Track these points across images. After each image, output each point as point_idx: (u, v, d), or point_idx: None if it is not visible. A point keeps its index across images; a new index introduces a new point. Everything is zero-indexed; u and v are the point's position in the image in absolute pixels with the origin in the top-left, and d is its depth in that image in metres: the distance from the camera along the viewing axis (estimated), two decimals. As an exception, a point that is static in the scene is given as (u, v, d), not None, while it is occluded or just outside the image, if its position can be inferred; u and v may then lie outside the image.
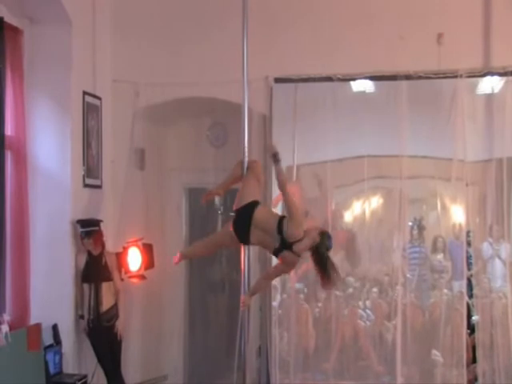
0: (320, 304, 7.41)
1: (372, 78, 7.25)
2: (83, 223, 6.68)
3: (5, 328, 5.62)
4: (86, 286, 6.63)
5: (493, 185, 7.08)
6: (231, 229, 5.40)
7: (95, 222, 6.76)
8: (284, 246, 5.14)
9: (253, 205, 5.28)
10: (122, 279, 6.98)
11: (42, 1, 6.41)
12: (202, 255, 5.97)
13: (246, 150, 5.54)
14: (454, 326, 7.09)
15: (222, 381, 7.91)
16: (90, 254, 6.68)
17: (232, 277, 8.39)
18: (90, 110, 7.09)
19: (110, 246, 7.06)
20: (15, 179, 6.23)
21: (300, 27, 7.29)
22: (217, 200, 8.47)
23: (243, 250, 5.52)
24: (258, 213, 5.27)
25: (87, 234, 6.64)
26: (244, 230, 5.29)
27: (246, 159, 5.53)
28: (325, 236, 5.20)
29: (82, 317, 6.67)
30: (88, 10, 7.11)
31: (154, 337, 8.13)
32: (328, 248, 5.17)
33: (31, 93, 6.51)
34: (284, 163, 7.29)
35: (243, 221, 5.28)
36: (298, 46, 7.26)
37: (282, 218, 5.22)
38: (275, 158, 5.23)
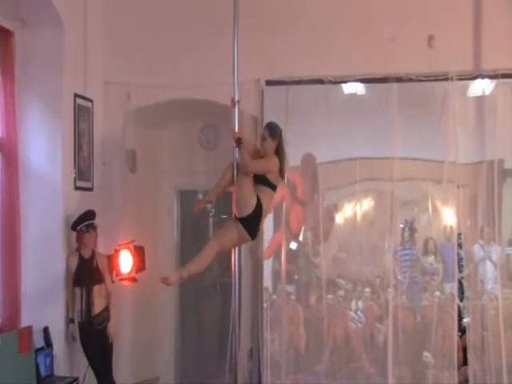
0: (311, 306, 7.41)
1: (363, 80, 7.25)
2: (81, 219, 6.66)
3: (-4, 331, 5.63)
4: (77, 290, 6.62)
5: (484, 187, 7.09)
6: (238, 231, 5.41)
7: (92, 214, 6.75)
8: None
9: (259, 202, 5.36)
10: (113, 281, 6.97)
11: (34, 3, 6.41)
12: (204, 266, 5.78)
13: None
14: (445, 328, 7.10)
15: (213, 382, 7.92)
16: (81, 256, 6.67)
17: (223, 279, 8.39)
18: (82, 112, 7.08)
19: (102, 248, 7.05)
20: (6, 182, 6.23)
21: (291, 30, 7.29)
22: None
23: (233, 252, 5.53)
24: (264, 204, 5.40)
25: (88, 227, 6.64)
26: (257, 226, 5.43)
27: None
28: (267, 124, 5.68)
29: (71, 320, 6.65)
30: (80, 13, 7.11)
31: (146, 339, 8.12)
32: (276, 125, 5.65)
33: (22, 95, 6.52)
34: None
35: (257, 219, 5.39)
36: (290, 48, 7.25)
37: (265, 179, 5.46)
38: (238, 142, 5.39)
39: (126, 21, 7.59)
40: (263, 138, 5.60)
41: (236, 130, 5.49)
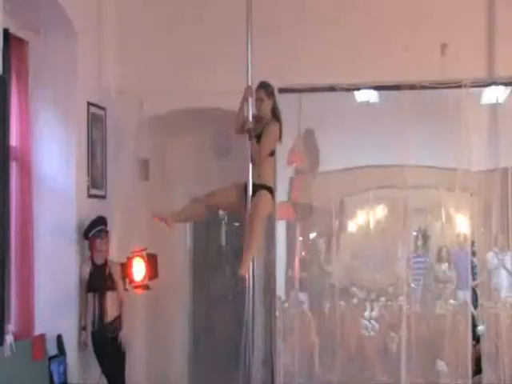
0: (324, 314, 7.38)
1: (376, 87, 7.24)
2: (92, 225, 6.68)
3: (9, 338, 5.63)
4: (90, 296, 6.65)
5: (498, 194, 7.06)
6: None
7: (103, 220, 6.77)
8: None
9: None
10: (126, 289, 6.98)
11: (48, 12, 6.46)
12: None
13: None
14: (458, 337, 7.05)
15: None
16: (94, 264, 6.69)
17: (236, 287, 8.37)
18: (95, 121, 7.11)
19: (115, 255, 7.06)
20: (20, 189, 6.26)
21: (304, 37, 7.31)
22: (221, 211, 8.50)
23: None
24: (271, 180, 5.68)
25: (99, 233, 6.66)
26: None
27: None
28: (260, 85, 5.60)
29: (84, 328, 6.67)
30: (93, 22, 7.16)
31: (159, 347, 8.11)
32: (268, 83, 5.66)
33: (36, 103, 6.56)
34: (288, 173, 7.41)
35: None
36: (302, 56, 7.26)
37: None
38: (250, 132, 5.48)
39: (138, 30, 7.62)
40: (261, 100, 5.60)
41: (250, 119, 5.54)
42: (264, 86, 5.64)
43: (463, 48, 7.01)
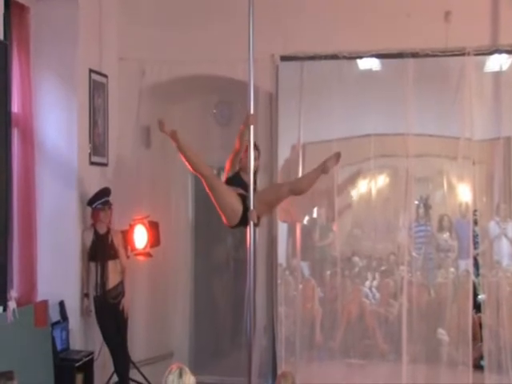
0: (326, 283, 7.41)
1: (378, 56, 7.20)
2: (97, 196, 6.69)
3: (12, 304, 5.66)
4: (92, 264, 6.67)
5: (500, 163, 7.05)
6: None
7: (108, 192, 6.77)
8: None
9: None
10: (128, 257, 7.01)
11: (49, -22, 6.41)
12: None
13: (252, 128, 5.53)
14: (459, 305, 7.08)
15: (227, 358, 7.95)
16: (96, 232, 6.71)
17: (238, 255, 8.40)
18: (97, 88, 7.08)
19: (116, 223, 7.07)
20: (22, 157, 6.26)
21: (306, 5, 7.23)
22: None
23: (249, 228, 5.54)
24: None
25: (103, 205, 6.67)
26: None
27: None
28: None
29: (86, 295, 6.71)
30: (94, -13, 7.09)
31: (160, 314, 8.16)
32: None
33: (38, 70, 6.52)
34: (290, 141, 7.39)
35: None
36: (304, 23, 7.19)
37: None
38: None
39: (141, -3, 7.58)
40: None
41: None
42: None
43: (467, 16, 6.92)
